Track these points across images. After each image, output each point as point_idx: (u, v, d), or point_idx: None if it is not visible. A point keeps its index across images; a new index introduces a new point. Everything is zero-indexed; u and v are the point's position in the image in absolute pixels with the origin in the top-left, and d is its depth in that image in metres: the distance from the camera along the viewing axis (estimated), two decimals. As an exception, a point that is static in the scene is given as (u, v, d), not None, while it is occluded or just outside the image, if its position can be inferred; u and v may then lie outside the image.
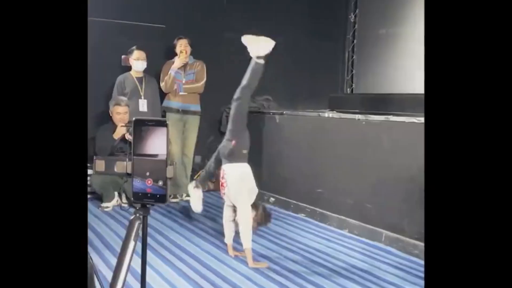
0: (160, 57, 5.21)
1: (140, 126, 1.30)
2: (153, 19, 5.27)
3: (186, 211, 4.59)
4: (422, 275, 3.13)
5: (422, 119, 3.44)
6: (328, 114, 4.41)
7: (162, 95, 5.13)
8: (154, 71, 5.11)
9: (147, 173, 1.31)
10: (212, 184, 5.60)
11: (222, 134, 5.76)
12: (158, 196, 1.32)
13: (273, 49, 3.41)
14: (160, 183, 1.31)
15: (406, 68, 5.20)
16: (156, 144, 1.30)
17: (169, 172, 1.30)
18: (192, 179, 5.41)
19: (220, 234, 3.75)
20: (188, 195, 5.06)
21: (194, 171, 5.44)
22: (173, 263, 3.21)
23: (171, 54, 5.14)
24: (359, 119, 3.97)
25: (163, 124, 1.31)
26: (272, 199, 5.02)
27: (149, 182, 1.31)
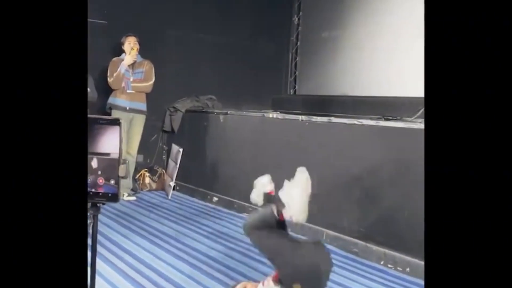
0: (103, 53, 5.12)
1: (93, 125, 1.30)
2: (95, 15, 5.16)
3: (125, 210, 4.53)
4: (362, 273, 3.28)
5: (363, 121, 3.58)
6: (272, 114, 4.49)
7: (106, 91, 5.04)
8: (95, 67, 5.00)
9: (99, 172, 1.31)
10: (155, 184, 5.55)
11: (165, 133, 5.75)
12: (110, 195, 1.32)
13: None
14: (112, 182, 1.31)
15: (347, 71, 5.38)
16: (109, 142, 1.30)
17: (121, 171, 1.31)
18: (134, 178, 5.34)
19: (161, 233, 3.73)
20: (129, 195, 5.01)
21: (136, 170, 5.38)
22: (113, 263, 3.18)
23: (114, 50, 5.07)
24: (302, 120, 4.08)
25: (116, 123, 1.31)
26: (215, 199, 5.04)
27: (101, 181, 1.31)
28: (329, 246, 3.75)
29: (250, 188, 4.72)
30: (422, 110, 3.63)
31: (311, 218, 3.98)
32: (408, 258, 3.28)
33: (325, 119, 3.91)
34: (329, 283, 3.03)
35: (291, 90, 6.20)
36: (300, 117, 4.10)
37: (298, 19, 6.21)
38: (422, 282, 3.13)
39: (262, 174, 4.46)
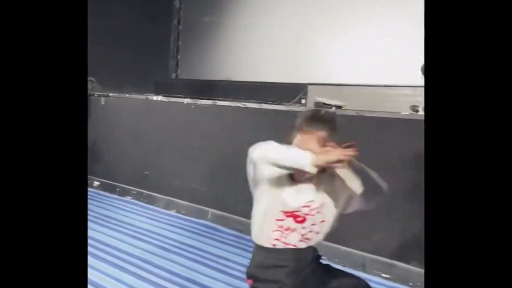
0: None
1: None
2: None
3: None
4: (246, 247, 3.46)
5: (247, 104, 3.75)
6: (156, 97, 4.49)
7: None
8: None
9: None
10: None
11: None
12: None
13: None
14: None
15: (230, 55, 5.53)
16: None
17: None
18: None
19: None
20: None
21: None
22: None
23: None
24: (187, 103, 4.14)
25: None
26: (96, 183, 4.93)
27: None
28: (214, 225, 3.90)
29: (133, 171, 4.70)
30: (300, 95, 3.90)
31: (196, 199, 4.13)
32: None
33: (210, 102, 4.02)
34: (216, 259, 3.20)
35: (174, 74, 6.21)
36: (185, 100, 4.16)
37: (180, 2, 6.21)
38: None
39: (146, 158, 4.50)
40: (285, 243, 1.74)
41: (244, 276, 1.91)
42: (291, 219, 1.73)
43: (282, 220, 1.73)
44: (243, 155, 3.75)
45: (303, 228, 1.74)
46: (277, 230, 1.73)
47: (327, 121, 1.73)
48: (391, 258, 3.07)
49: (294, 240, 1.75)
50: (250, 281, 1.79)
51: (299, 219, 1.73)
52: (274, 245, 1.74)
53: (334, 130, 1.72)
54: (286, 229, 1.73)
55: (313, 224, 1.75)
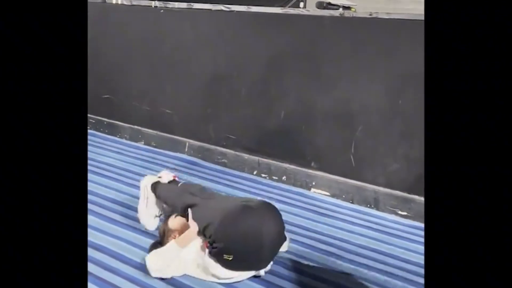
0: None
1: None
2: None
3: None
4: (234, 184, 3.26)
5: (231, 7, 3.42)
6: (116, 0, 4.11)
7: None
8: None
9: None
10: None
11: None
12: None
13: None
14: None
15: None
16: None
17: None
18: None
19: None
20: None
21: None
22: None
23: None
24: (156, 7, 3.80)
25: None
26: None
27: None
28: (193, 159, 3.69)
29: (90, 95, 4.37)
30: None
31: (170, 127, 3.88)
32: (285, 165, 3.33)
33: (184, 4, 3.70)
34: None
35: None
36: (152, 3, 3.82)
37: None
38: (299, 189, 3.22)
39: (105, 78, 4.18)
40: None
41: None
42: None
43: None
44: (227, 71, 3.51)
45: None
46: None
47: None
48: (408, 192, 2.94)
49: None
50: None
51: None
52: None
53: None
54: None
55: None
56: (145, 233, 2.54)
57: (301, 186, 3.26)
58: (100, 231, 2.55)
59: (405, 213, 2.92)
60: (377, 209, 3.02)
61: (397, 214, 2.95)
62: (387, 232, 2.74)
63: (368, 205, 3.05)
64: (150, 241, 2.42)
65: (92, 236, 2.48)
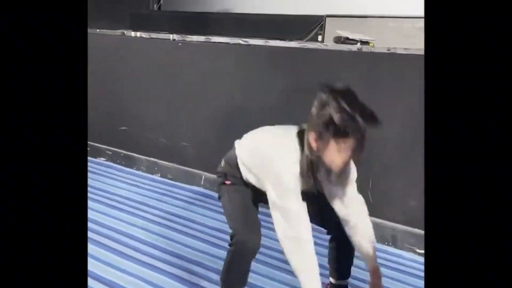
0: None
1: None
2: None
3: None
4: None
5: (249, 41, 3.55)
6: (134, 33, 4.27)
7: None
8: None
9: None
10: None
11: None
12: None
13: None
14: None
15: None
16: None
17: None
18: None
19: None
20: None
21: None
22: None
23: None
24: (174, 40, 3.94)
25: None
26: (61, 141, 4.77)
27: None
28: (209, 192, 3.77)
29: (107, 127, 4.51)
30: (316, 30, 3.70)
31: (186, 160, 3.98)
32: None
33: (202, 38, 3.82)
34: (209, 231, 3.06)
35: (155, 5, 5.95)
36: (171, 36, 3.96)
37: None
38: (314, 225, 3.27)
39: (123, 110, 4.32)
40: None
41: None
42: None
43: None
44: (244, 104, 3.61)
45: None
46: None
47: (366, 118, 1.83)
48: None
49: None
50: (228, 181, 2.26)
51: None
52: None
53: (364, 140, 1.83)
54: None
55: None
56: (153, 267, 2.64)
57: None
58: (108, 265, 2.62)
59: (423, 251, 2.97)
60: (395, 246, 3.08)
61: (415, 252, 3.01)
62: (405, 271, 2.78)
63: (386, 243, 3.11)
64: (160, 277, 2.53)
65: (100, 269, 2.58)
